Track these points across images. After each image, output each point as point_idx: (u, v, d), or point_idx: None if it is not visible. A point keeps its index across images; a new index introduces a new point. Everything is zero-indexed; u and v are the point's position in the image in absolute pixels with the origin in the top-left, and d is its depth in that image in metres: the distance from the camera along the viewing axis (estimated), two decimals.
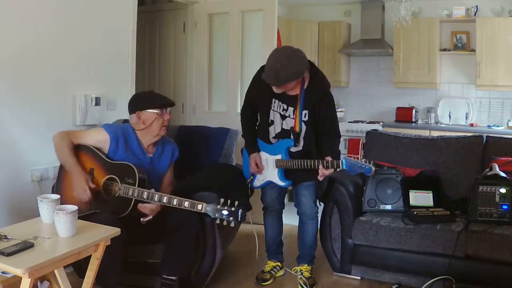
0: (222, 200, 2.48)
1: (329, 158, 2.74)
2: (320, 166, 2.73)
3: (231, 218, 2.44)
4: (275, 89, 2.81)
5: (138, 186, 2.54)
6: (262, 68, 2.87)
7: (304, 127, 2.88)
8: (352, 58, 6.65)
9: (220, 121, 4.03)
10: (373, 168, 2.69)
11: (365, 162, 2.70)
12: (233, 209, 2.45)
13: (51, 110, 3.17)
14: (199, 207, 2.50)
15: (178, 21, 4.84)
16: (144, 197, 2.53)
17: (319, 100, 2.85)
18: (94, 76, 3.46)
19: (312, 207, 3.05)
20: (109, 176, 2.61)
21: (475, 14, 5.60)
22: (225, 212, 2.44)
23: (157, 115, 2.69)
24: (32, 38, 3.01)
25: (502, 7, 5.53)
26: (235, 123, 3.54)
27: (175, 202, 2.52)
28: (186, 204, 2.51)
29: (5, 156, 2.89)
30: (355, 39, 6.46)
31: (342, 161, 2.71)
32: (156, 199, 2.53)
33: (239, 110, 4.41)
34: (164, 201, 2.53)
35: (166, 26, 4.99)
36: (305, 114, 2.86)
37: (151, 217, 2.58)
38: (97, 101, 3.42)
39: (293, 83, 2.75)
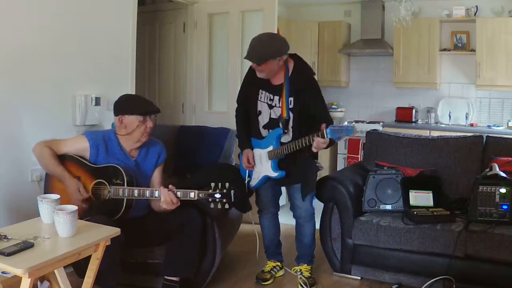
0: (213, 184, 2.47)
1: (322, 126, 2.59)
2: (313, 139, 2.61)
3: (224, 200, 2.44)
4: (259, 73, 2.85)
5: (127, 186, 2.54)
6: (250, 67, 2.93)
7: (291, 114, 2.87)
8: (352, 58, 6.64)
9: (220, 121, 4.02)
10: (355, 128, 2.58)
11: (346, 124, 2.60)
12: (225, 191, 2.45)
13: (51, 110, 3.17)
14: (192, 195, 2.51)
15: (178, 21, 4.84)
16: (135, 194, 2.53)
17: (303, 87, 2.85)
18: (94, 76, 3.46)
19: (307, 209, 3.03)
20: (96, 180, 2.61)
21: (475, 14, 5.60)
22: (217, 196, 2.45)
23: (140, 122, 2.64)
24: (32, 38, 3.00)
25: (502, 7, 5.53)
26: (235, 123, 3.54)
27: None
28: (179, 194, 2.51)
29: (5, 156, 2.89)
30: (355, 39, 6.46)
31: (325, 130, 2.57)
32: (148, 195, 2.54)
33: None
34: (156, 195, 2.54)
35: (166, 26, 4.99)
36: (291, 101, 2.87)
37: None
38: (97, 101, 3.42)
39: (274, 62, 2.78)
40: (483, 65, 5.45)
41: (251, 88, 3.00)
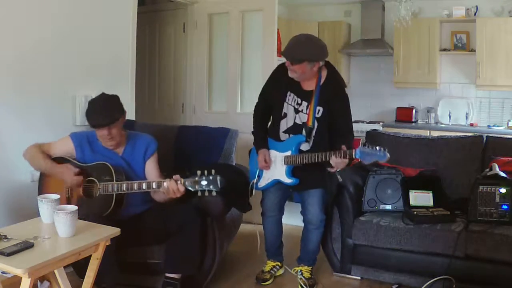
0: (199, 172, 2.46)
1: (344, 147, 2.60)
2: (333, 156, 2.61)
3: (211, 187, 2.42)
4: (290, 72, 2.79)
5: (116, 181, 2.55)
6: (280, 65, 2.92)
7: (316, 124, 2.84)
8: (352, 58, 6.64)
9: (220, 121, 4.02)
10: (388, 155, 2.54)
11: (379, 149, 2.55)
12: (211, 177, 2.43)
13: (51, 110, 3.17)
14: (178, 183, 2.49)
15: (178, 21, 4.84)
16: (124, 189, 2.54)
17: (332, 96, 2.82)
18: (94, 76, 3.46)
19: (318, 215, 2.98)
20: (87, 179, 2.62)
21: (475, 14, 5.61)
22: (203, 182, 2.43)
23: (95, 129, 2.62)
24: (33, 39, 3.01)
25: (502, 7, 5.53)
26: (235, 123, 3.54)
27: (154, 185, 2.53)
28: (165, 184, 2.50)
29: (5, 156, 2.89)
30: (355, 39, 6.46)
31: (355, 150, 2.57)
32: (135, 188, 2.54)
33: (239, 110, 4.45)
34: (144, 187, 2.54)
35: (166, 26, 5.00)
36: (319, 110, 2.83)
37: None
38: None
39: (309, 66, 2.73)
40: (483, 65, 5.45)
41: (279, 87, 2.92)
